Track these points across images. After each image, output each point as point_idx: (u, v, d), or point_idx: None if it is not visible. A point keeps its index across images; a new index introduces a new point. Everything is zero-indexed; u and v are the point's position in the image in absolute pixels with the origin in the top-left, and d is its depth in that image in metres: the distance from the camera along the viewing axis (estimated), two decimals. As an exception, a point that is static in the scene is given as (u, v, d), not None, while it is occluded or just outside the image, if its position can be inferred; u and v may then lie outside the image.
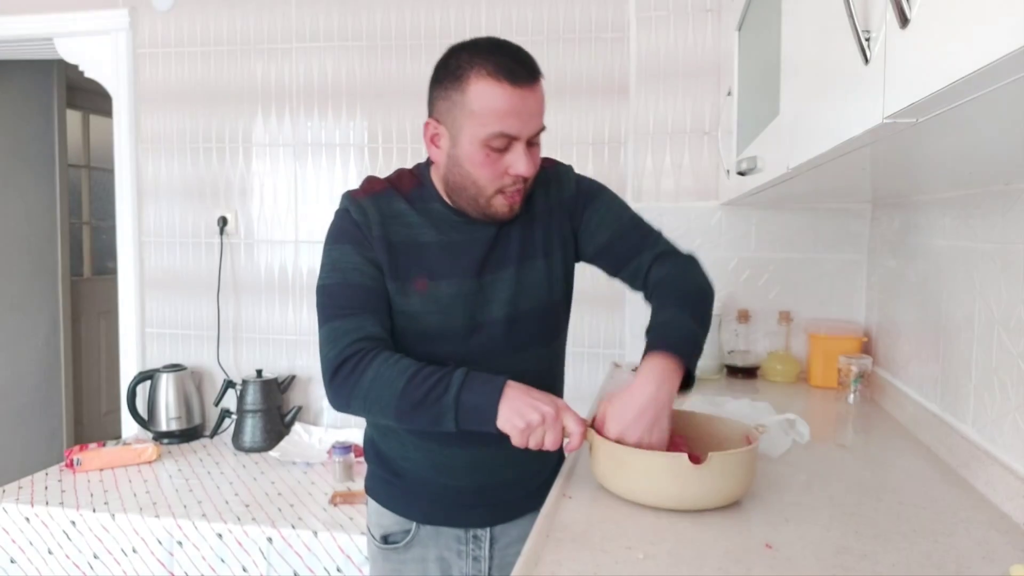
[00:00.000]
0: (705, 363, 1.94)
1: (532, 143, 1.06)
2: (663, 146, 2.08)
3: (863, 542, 0.89)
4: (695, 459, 0.93)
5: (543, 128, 1.06)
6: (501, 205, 1.08)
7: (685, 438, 1.06)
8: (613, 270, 1.23)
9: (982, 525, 0.96)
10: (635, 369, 1.43)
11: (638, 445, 0.98)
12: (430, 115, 1.09)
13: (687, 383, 1.06)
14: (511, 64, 1.01)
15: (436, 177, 1.14)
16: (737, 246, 2.04)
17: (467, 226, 1.13)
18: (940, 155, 0.82)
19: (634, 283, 1.22)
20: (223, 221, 2.54)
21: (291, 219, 2.52)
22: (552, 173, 1.20)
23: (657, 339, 1.06)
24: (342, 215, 1.13)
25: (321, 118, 2.46)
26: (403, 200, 1.13)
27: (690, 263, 1.20)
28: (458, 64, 1.03)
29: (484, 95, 1.00)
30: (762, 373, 1.94)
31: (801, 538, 0.90)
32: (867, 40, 0.59)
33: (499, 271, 1.13)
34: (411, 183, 1.15)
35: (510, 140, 1.02)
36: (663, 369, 1.01)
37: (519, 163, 1.03)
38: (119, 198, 2.61)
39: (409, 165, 1.21)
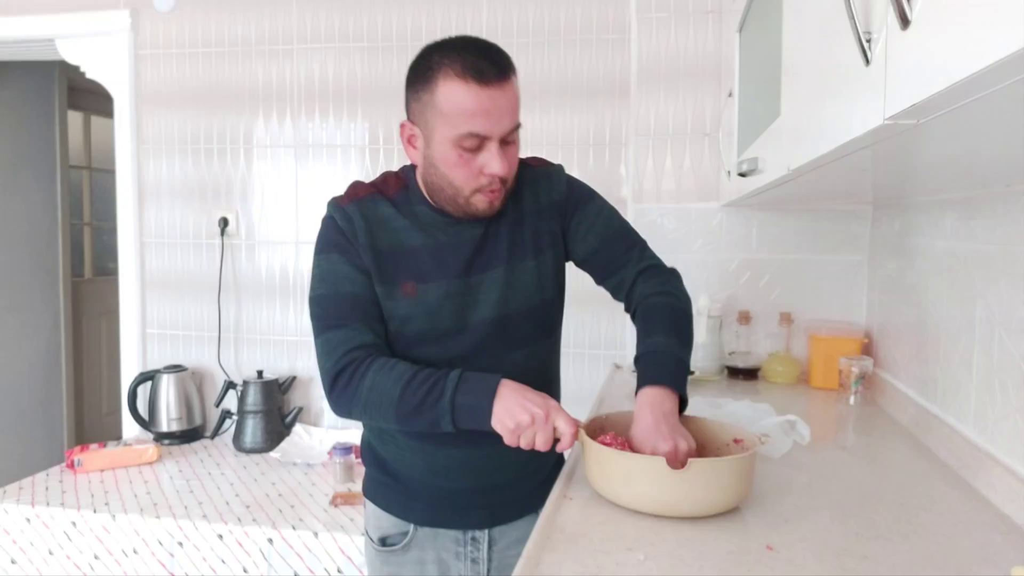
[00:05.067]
0: (706, 364, 1.94)
1: (508, 141, 1.05)
2: (664, 147, 2.08)
3: (864, 543, 0.89)
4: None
5: (518, 125, 1.05)
6: (481, 202, 1.07)
7: (697, 445, 1.05)
8: (598, 279, 1.24)
9: (983, 527, 0.95)
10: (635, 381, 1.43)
11: (674, 448, 0.95)
12: (407, 117, 1.09)
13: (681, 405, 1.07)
14: (479, 63, 0.99)
15: (420, 178, 1.13)
16: (738, 247, 2.04)
17: (454, 227, 1.12)
18: (941, 156, 0.82)
19: (617, 295, 1.23)
20: (224, 222, 2.54)
21: (292, 220, 2.52)
22: (542, 172, 1.20)
23: (651, 371, 1.06)
24: (328, 223, 1.13)
25: (322, 119, 2.46)
26: (388, 204, 1.12)
27: (672, 280, 1.20)
28: (428, 65, 1.02)
29: (452, 96, 1.00)
30: (763, 374, 1.93)
31: (802, 539, 0.90)
32: (868, 41, 0.59)
33: (487, 271, 1.13)
34: (396, 186, 1.15)
35: (482, 140, 1.02)
36: (657, 395, 1.03)
37: (493, 163, 1.03)
38: (120, 199, 2.61)
39: None
